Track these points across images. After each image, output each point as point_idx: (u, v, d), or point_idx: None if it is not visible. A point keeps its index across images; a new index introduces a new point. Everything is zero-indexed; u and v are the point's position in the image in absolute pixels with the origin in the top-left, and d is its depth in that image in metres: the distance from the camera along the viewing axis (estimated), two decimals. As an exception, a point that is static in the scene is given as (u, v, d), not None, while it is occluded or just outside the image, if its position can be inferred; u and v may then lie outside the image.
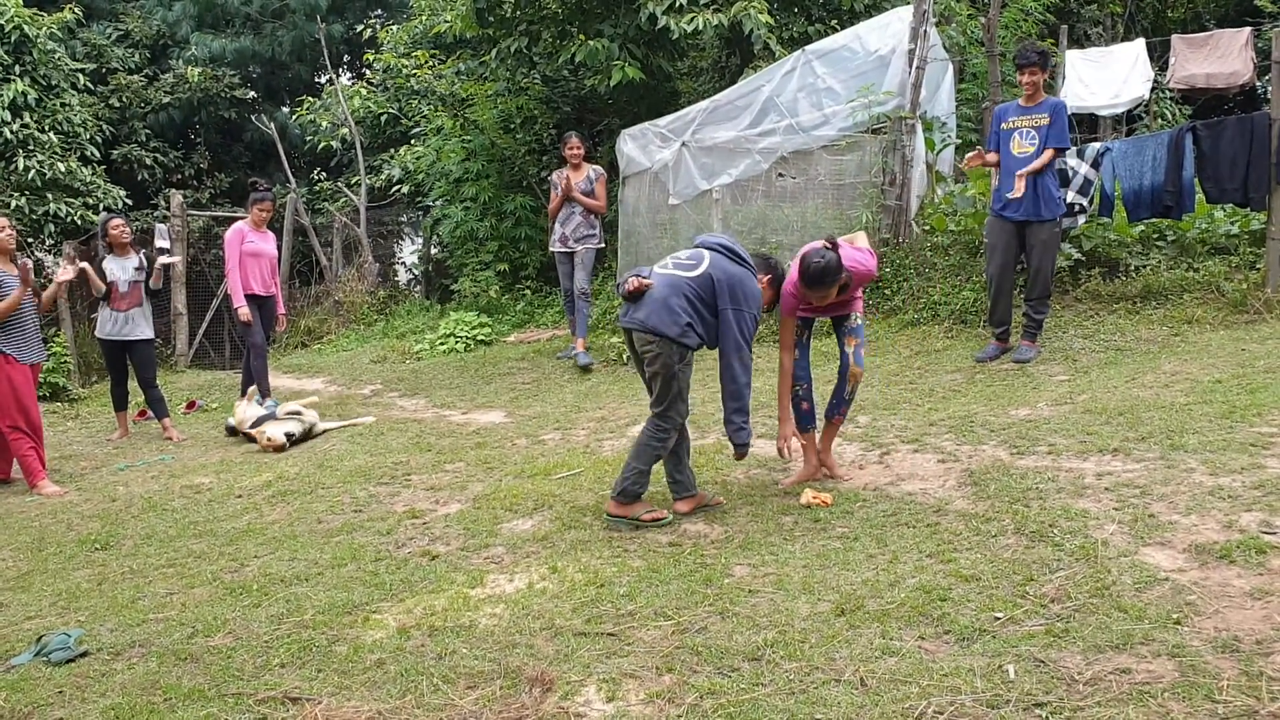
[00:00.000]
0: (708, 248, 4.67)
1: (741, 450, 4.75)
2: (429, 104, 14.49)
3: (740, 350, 4.51)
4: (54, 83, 14.41)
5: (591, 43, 10.61)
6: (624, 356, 8.96)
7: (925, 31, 8.78)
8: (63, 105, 14.40)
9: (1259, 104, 11.80)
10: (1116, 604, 3.21)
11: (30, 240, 13.49)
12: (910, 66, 8.79)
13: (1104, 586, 3.32)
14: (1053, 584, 3.40)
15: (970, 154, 7.45)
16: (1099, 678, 2.80)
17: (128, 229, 8.38)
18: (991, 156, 7.19)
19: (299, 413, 7.76)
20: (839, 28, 10.93)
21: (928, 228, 8.80)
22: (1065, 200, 7.68)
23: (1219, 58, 10.00)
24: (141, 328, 8.41)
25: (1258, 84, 11.38)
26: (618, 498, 4.65)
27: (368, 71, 16.89)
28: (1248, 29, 10.56)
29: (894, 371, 7.28)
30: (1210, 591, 3.23)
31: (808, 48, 9.63)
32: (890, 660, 3.05)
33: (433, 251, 15.73)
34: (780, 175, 9.45)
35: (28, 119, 13.70)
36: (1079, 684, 2.77)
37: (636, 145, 10.52)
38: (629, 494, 4.63)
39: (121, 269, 8.26)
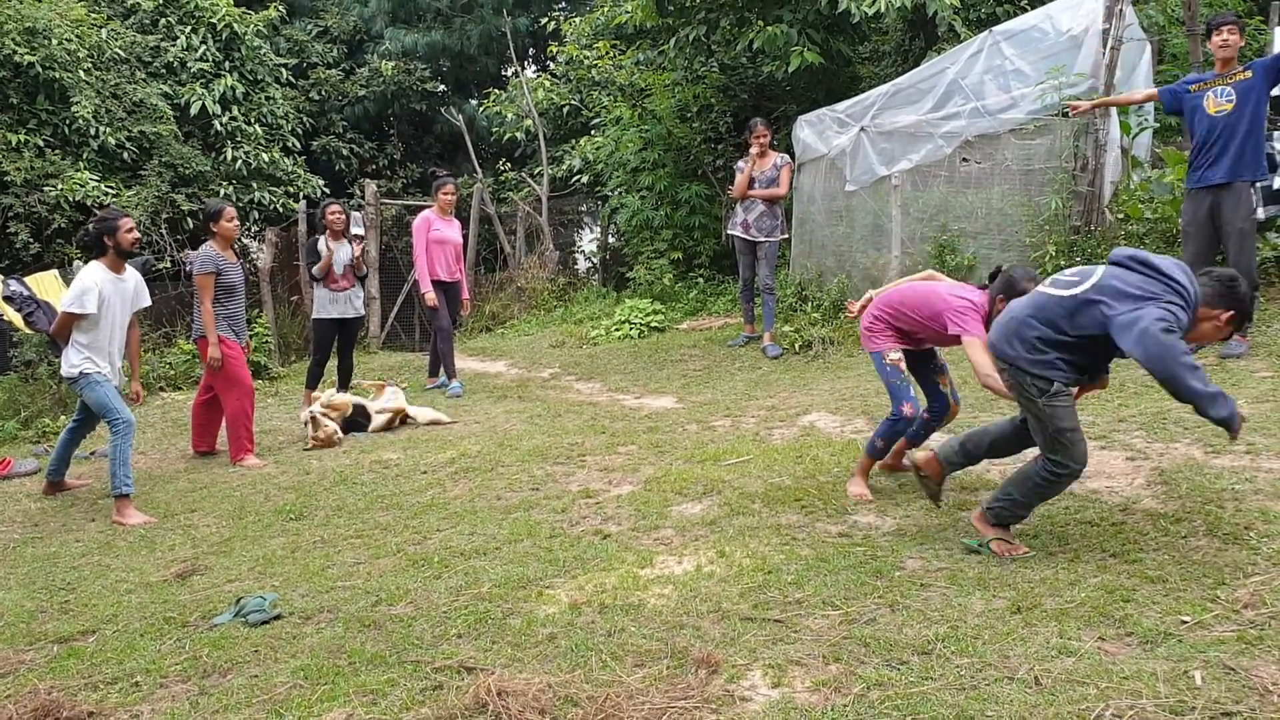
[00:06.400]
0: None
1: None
2: (609, 94, 14.71)
3: None
4: (259, 77, 15.38)
5: (770, 29, 10.54)
6: (795, 346, 8.90)
7: (1121, 10, 8.33)
8: (267, 99, 15.35)
9: None
10: (1319, 614, 3.02)
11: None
12: (1104, 47, 8.36)
13: (1307, 595, 3.13)
14: (1246, 589, 3.22)
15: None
16: (1297, 691, 2.64)
17: (343, 214, 8.85)
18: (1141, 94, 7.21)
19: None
20: (1028, 8, 10.50)
21: (1122, 215, 8.38)
22: (1274, 186, 7.18)
23: None
24: (357, 306, 8.92)
25: None
26: (984, 512, 3.99)
27: (551, 64, 17.31)
28: None
29: (1081, 365, 6.98)
30: None
31: (995, 28, 9.28)
32: (1067, 660, 2.95)
33: (610, 240, 15.98)
34: (964, 160, 9.16)
35: (235, 112, 14.66)
36: (1273, 695, 2.62)
37: (813, 131, 10.40)
38: (993, 515, 3.96)
39: (336, 251, 8.69)
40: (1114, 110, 8.41)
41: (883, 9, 9.79)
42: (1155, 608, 3.21)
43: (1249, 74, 6.43)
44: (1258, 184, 6.69)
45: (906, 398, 4.72)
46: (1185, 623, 3.08)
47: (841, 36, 11.45)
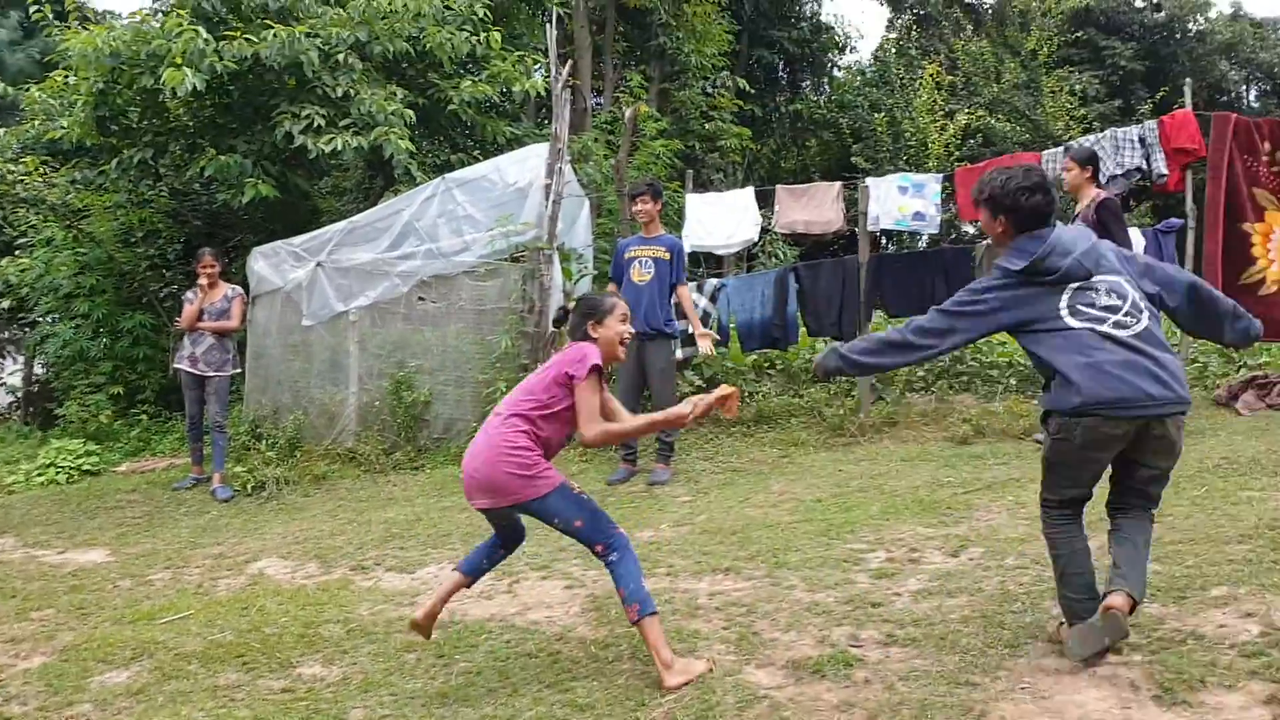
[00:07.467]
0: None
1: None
2: (38, 213, 13.27)
3: None
4: None
5: (223, 157, 10.20)
6: (247, 487, 8.44)
7: (560, 168, 9.18)
8: None
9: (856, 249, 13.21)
10: (719, 723, 3.33)
11: None
12: (547, 200, 9.13)
13: (709, 708, 3.43)
14: (662, 708, 3.48)
15: None
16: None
17: None
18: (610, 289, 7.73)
19: None
20: (481, 158, 11.20)
21: (564, 354, 9.07)
22: (690, 331, 8.27)
23: (815, 207, 11.13)
24: None
25: (853, 231, 12.78)
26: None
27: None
28: (839, 184, 11.84)
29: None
30: (803, 706, 3.41)
31: (448, 175, 9.77)
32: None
33: (37, 372, 14.22)
34: (421, 299, 9.41)
35: None
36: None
37: (269, 264, 10.13)
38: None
39: None
40: (556, 256, 9.16)
41: (340, 147, 9.88)
42: (584, 734, 3.36)
43: (668, 255, 7.45)
44: (676, 334, 7.69)
45: (605, 523, 3.82)
46: (609, 746, 3.26)
47: (299, 170, 11.38)
